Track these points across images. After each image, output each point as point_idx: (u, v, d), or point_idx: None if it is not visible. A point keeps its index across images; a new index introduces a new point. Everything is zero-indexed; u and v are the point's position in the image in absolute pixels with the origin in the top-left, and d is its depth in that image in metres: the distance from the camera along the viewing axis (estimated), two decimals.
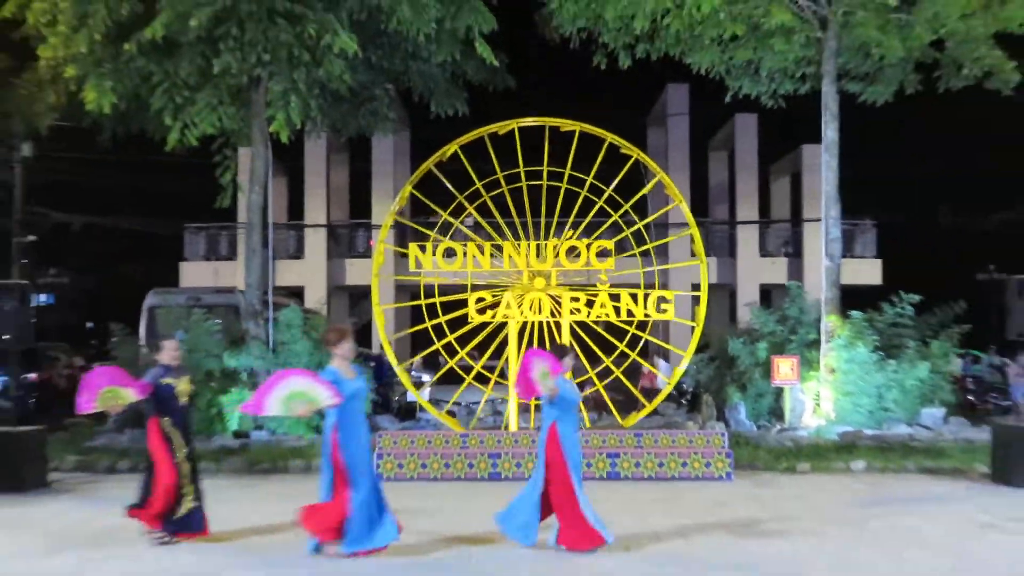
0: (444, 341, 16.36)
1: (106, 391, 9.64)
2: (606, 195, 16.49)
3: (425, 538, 9.94)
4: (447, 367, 16.80)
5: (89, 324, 46.80)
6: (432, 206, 16.97)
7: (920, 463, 15.31)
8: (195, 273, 32.16)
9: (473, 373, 16.69)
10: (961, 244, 41.49)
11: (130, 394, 9.72)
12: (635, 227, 16.72)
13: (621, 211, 16.66)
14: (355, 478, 9.01)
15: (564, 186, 16.30)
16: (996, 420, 17.03)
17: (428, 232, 17.37)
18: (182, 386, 10.08)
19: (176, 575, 8.72)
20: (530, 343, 15.88)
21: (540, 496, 9.49)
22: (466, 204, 16.51)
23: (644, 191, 17.88)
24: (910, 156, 36.62)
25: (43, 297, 48.85)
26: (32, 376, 22.51)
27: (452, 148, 16.23)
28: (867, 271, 31.73)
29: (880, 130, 29.02)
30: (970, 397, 24.01)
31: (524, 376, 9.58)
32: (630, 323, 16.06)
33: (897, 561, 9.15)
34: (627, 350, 16.43)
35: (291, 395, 8.91)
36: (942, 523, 11.09)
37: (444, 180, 16.50)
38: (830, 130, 18.55)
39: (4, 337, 14.66)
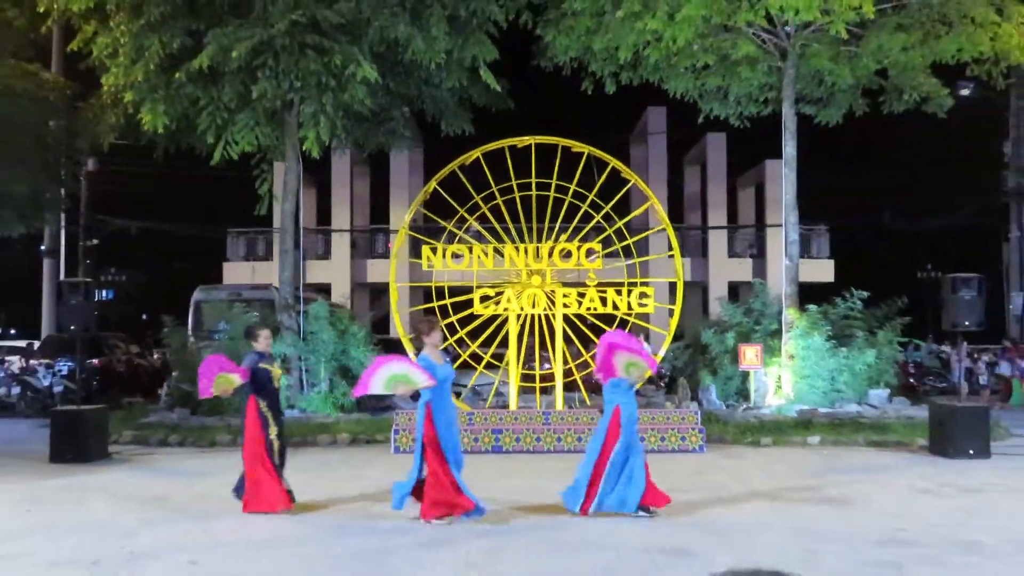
0: (447, 321, 16.29)
1: (219, 377, 9.55)
2: (604, 211, 16.53)
3: None
4: (445, 343, 16.78)
5: (144, 316, 46.86)
6: (451, 202, 16.89)
7: (868, 437, 15.34)
8: (236, 271, 32.16)
9: (468, 353, 16.85)
10: (903, 247, 41.60)
11: (236, 379, 9.59)
12: (625, 242, 16.82)
13: (615, 227, 16.69)
14: (447, 451, 9.01)
15: (568, 199, 16.37)
16: (933, 399, 17.06)
17: (445, 224, 17.44)
18: (276, 371, 9.97)
19: (224, 538, 8.71)
20: (521, 332, 15.95)
21: (593, 469, 9.33)
22: (481, 204, 16.54)
23: (635, 213, 18.02)
24: (858, 170, 36.69)
25: (105, 293, 49.01)
26: (95, 361, 22.54)
27: (475, 154, 16.34)
28: (821, 270, 31.73)
29: (833, 147, 29.06)
30: (911, 380, 24.06)
31: (607, 360, 9.47)
32: (615, 316, 16.08)
33: (848, 522, 9.16)
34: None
35: (392, 377, 8.92)
36: (887, 489, 11.12)
37: (465, 182, 16.52)
38: (789, 147, 18.55)
39: (72, 327, 14.67)
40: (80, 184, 26.51)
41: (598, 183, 16.41)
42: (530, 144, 16.45)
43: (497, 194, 16.47)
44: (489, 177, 16.42)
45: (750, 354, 17.63)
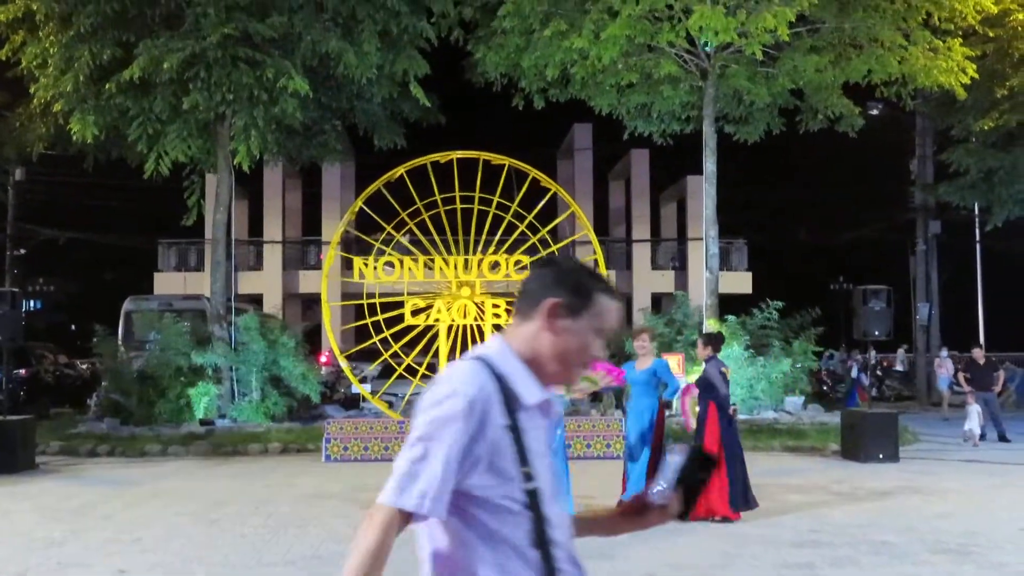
0: (380, 336, 16.17)
1: None
2: (527, 221, 16.53)
3: None
4: (381, 359, 16.62)
5: (73, 326, 45.81)
6: (379, 220, 16.83)
7: (784, 442, 15.58)
8: (167, 282, 31.53)
9: (404, 365, 16.58)
10: (817, 259, 42.40)
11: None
12: (550, 249, 16.84)
13: (539, 235, 16.73)
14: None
15: (492, 211, 16.29)
16: (844, 406, 17.43)
17: (373, 242, 17.30)
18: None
19: (153, 547, 8.53)
20: (456, 343, 15.91)
21: None
22: (408, 221, 16.36)
23: (558, 220, 18.00)
24: (776, 186, 37.34)
25: (32, 303, 47.79)
26: (22, 371, 21.94)
27: (400, 171, 16.03)
28: (740, 282, 32.09)
29: (751, 164, 29.53)
30: (824, 387, 24.52)
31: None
32: None
33: (764, 524, 9.29)
34: None
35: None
36: (803, 492, 11.31)
37: (390, 199, 16.36)
38: (709, 163, 18.79)
39: None
40: (8, 193, 25.91)
41: (519, 194, 16.42)
42: (457, 159, 16.39)
43: (423, 209, 16.36)
44: (414, 194, 16.27)
45: (672, 364, 17.75)
